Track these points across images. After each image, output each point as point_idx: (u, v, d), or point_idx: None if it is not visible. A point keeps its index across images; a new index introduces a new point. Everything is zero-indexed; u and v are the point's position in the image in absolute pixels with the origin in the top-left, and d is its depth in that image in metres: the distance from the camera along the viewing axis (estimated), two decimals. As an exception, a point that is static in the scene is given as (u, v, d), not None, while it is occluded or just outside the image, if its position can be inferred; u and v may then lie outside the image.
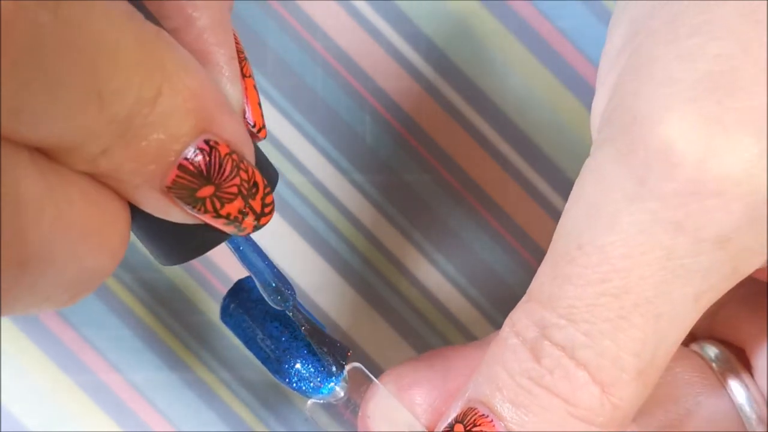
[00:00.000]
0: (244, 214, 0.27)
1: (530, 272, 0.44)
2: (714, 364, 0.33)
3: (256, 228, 0.27)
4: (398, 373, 0.33)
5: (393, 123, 0.44)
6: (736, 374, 0.33)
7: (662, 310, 0.28)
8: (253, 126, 0.29)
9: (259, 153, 0.29)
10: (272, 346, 0.33)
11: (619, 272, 0.28)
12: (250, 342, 0.33)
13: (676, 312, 0.28)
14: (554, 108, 0.44)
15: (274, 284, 0.31)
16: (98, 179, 0.25)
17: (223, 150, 0.26)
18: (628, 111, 0.28)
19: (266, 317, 0.33)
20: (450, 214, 0.44)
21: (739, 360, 0.33)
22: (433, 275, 0.44)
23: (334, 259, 0.44)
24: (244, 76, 0.29)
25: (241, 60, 0.29)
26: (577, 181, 0.29)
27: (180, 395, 0.43)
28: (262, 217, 0.27)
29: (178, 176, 0.26)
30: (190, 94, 0.25)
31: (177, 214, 0.27)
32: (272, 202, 0.28)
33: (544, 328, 0.28)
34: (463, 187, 0.44)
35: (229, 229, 0.27)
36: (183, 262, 0.28)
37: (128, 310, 0.44)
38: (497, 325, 0.44)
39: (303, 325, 0.32)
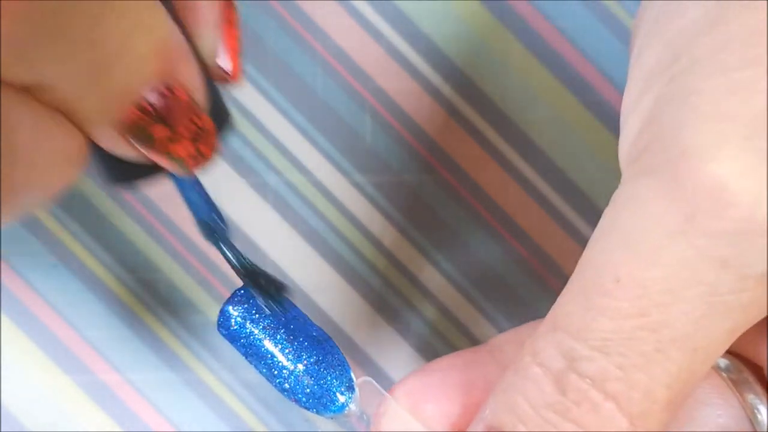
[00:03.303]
0: (192, 157, 0.29)
1: (529, 271, 0.44)
2: (731, 381, 0.33)
3: (200, 169, 0.29)
4: (409, 387, 0.33)
5: (393, 123, 0.44)
6: (756, 393, 0.32)
7: (699, 344, 0.28)
8: (227, 72, 0.31)
9: (217, 93, 0.30)
10: (276, 363, 0.32)
11: (659, 307, 0.27)
12: (253, 357, 0.32)
13: (713, 346, 0.28)
14: (554, 108, 0.44)
15: (204, 219, 0.32)
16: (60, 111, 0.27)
17: (181, 95, 0.28)
18: (673, 144, 0.27)
19: (268, 331, 0.32)
20: (450, 214, 0.44)
21: (757, 378, 0.33)
22: (433, 275, 0.44)
23: (334, 259, 0.44)
24: (228, 23, 0.31)
25: (228, 7, 0.31)
26: (608, 210, 0.29)
27: (180, 395, 0.43)
28: (209, 155, 0.29)
29: (136, 116, 0.27)
30: (157, 39, 0.27)
31: (129, 151, 0.28)
32: (218, 148, 0.29)
33: (572, 360, 0.28)
34: (463, 187, 0.44)
35: (174, 169, 0.29)
36: (130, 186, 0.30)
37: (128, 310, 0.44)
38: (495, 323, 0.44)
39: (233, 265, 0.32)
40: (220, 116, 0.30)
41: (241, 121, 0.44)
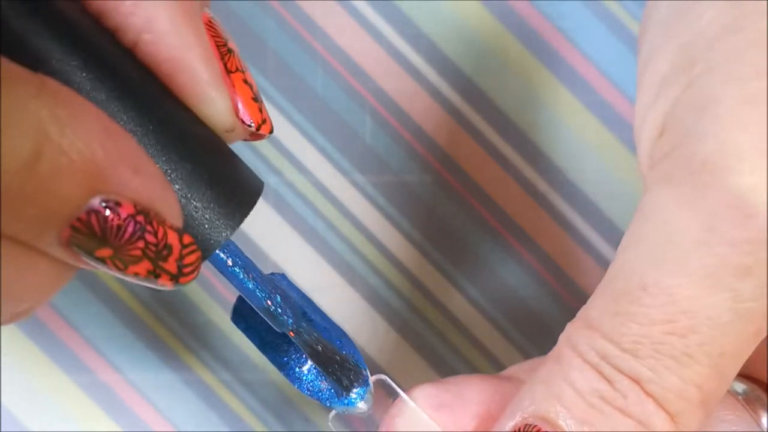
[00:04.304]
0: (156, 275, 0.25)
1: (529, 271, 0.44)
2: (745, 401, 0.33)
3: (179, 286, 0.26)
4: (428, 392, 0.32)
5: (393, 123, 0.44)
6: (766, 408, 0.33)
7: (726, 348, 0.28)
8: (250, 125, 0.28)
9: (234, 166, 0.27)
10: (290, 353, 0.32)
11: (686, 313, 0.28)
12: (265, 346, 0.31)
13: (738, 349, 0.29)
14: (554, 108, 0.44)
15: (267, 308, 0.30)
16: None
17: (126, 210, 0.25)
18: (693, 154, 0.28)
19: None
20: (450, 213, 0.44)
21: None
22: (434, 275, 0.44)
23: (334, 259, 0.44)
24: (229, 71, 0.27)
25: (224, 54, 0.27)
26: (635, 219, 0.29)
27: (180, 395, 0.43)
28: (180, 277, 0.26)
29: (72, 236, 0.24)
30: (77, 154, 0.24)
31: (84, 266, 0.25)
32: (195, 262, 0.26)
33: (605, 357, 0.29)
34: (463, 188, 0.44)
35: (146, 284, 0.26)
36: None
37: (128, 310, 0.44)
38: (493, 321, 0.44)
39: (307, 349, 0.31)
40: (232, 201, 0.27)
41: (241, 121, 0.44)
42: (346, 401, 0.32)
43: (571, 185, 0.44)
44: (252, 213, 0.44)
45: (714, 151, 0.28)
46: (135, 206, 0.25)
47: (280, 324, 0.30)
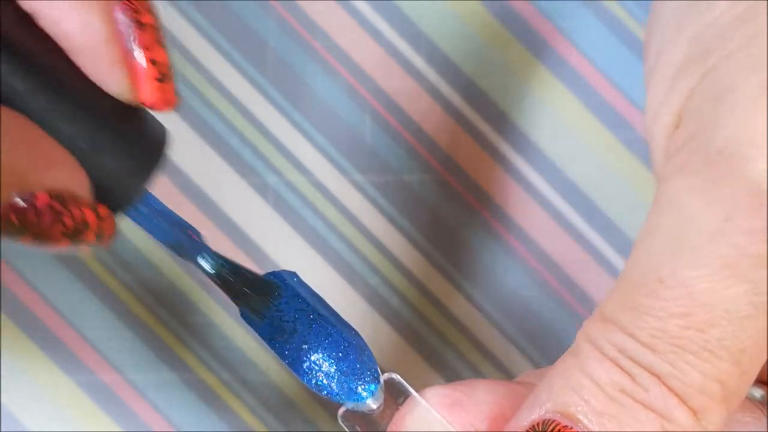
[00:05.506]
0: (77, 246, 0.27)
1: (529, 271, 0.44)
2: (759, 403, 0.33)
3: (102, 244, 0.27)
4: (439, 392, 0.32)
5: (393, 123, 0.44)
6: None
7: (746, 344, 0.28)
8: (151, 105, 0.28)
9: (140, 128, 0.28)
10: (299, 348, 0.31)
11: (704, 306, 0.28)
12: (274, 342, 0.31)
13: (760, 345, 0.28)
14: (554, 108, 0.44)
15: (171, 242, 0.30)
16: None
17: (42, 201, 0.26)
18: (710, 142, 0.28)
19: (293, 317, 0.31)
20: (450, 213, 0.44)
21: None
22: (434, 275, 0.44)
23: (334, 259, 0.44)
24: (137, 48, 0.27)
25: (135, 30, 0.27)
26: (652, 210, 0.29)
27: (180, 395, 0.43)
28: (100, 243, 0.27)
29: None
30: None
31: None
32: (112, 228, 0.27)
33: (623, 351, 0.28)
34: (463, 187, 0.44)
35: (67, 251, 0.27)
36: None
37: (128, 310, 0.44)
38: (493, 321, 0.44)
39: (218, 276, 0.31)
40: (140, 165, 0.28)
41: (241, 121, 0.44)
42: (355, 397, 0.31)
43: (572, 185, 0.44)
44: (252, 213, 0.44)
45: (730, 139, 0.27)
46: (49, 194, 0.26)
47: (186, 258, 0.31)
